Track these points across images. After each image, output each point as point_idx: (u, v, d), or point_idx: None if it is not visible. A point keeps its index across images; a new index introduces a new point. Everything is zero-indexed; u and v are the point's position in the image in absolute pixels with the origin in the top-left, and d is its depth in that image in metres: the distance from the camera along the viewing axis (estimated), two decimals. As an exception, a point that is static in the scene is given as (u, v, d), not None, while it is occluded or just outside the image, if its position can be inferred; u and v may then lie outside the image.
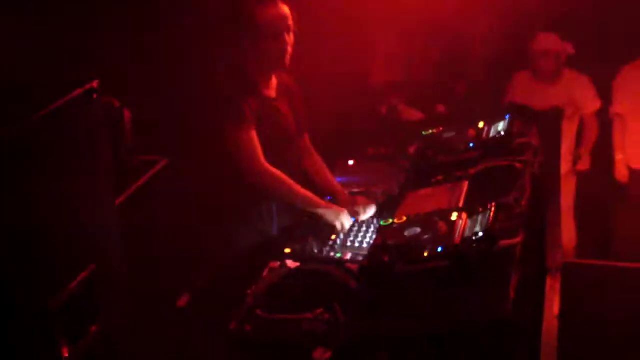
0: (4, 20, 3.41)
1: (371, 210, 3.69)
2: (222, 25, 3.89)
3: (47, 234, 2.67)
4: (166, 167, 4.80)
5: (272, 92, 3.81)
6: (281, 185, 3.67)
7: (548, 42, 5.95)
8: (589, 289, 5.16)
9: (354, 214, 3.67)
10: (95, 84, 2.84)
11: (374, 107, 5.68)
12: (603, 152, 6.42)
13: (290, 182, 3.69)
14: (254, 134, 3.63)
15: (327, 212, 3.65)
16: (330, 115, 5.46)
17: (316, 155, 4.09)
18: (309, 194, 3.72)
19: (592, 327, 4.55)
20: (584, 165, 6.29)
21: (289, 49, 3.67)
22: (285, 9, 3.66)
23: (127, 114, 4.20)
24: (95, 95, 2.82)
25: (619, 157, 6.31)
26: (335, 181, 3.98)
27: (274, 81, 3.82)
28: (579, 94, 6.12)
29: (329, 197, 3.89)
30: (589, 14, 6.25)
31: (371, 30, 6.08)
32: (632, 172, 6.32)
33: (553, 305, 3.16)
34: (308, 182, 3.98)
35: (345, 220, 3.62)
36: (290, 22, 3.66)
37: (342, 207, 3.72)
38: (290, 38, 3.66)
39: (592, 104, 6.17)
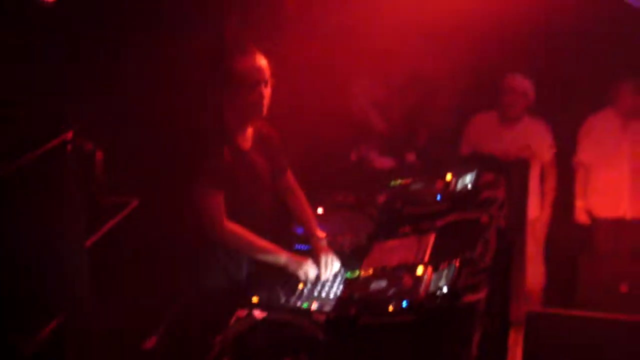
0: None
1: (336, 266, 3.72)
2: (201, 74, 3.91)
3: (19, 279, 2.70)
4: (137, 208, 4.83)
5: (247, 143, 3.83)
6: (240, 241, 3.69)
7: (519, 81, 6.04)
8: (552, 339, 5.23)
9: (321, 264, 3.71)
10: (69, 135, 2.89)
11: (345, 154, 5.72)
12: (568, 199, 6.53)
13: (250, 237, 3.70)
14: (220, 199, 3.65)
15: (290, 262, 3.67)
16: (298, 161, 5.52)
17: (299, 192, 4.11)
18: (269, 246, 3.72)
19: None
20: (546, 213, 6.37)
21: (265, 101, 3.70)
22: (263, 61, 3.68)
23: (98, 155, 4.22)
24: (69, 147, 2.86)
25: (579, 203, 6.44)
26: (314, 223, 3.99)
27: (250, 131, 3.85)
28: (537, 140, 6.19)
29: (297, 246, 3.92)
30: (555, 63, 6.37)
31: (349, 74, 6.14)
32: (594, 220, 6.44)
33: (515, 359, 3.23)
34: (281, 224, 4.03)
35: (309, 270, 3.64)
36: (267, 73, 3.68)
37: (317, 252, 3.76)
38: (266, 90, 3.69)
39: (548, 152, 6.25)
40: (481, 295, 2.89)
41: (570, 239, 6.59)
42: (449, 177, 3.93)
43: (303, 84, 5.41)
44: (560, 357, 5.13)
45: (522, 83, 6.04)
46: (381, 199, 4.18)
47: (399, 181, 4.11)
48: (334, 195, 4.54)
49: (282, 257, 3.67)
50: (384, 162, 5.58)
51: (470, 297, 2.83)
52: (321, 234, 3.88)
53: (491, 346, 3.03)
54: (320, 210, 4.31)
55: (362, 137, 5.87)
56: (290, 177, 4.10)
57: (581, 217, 6.44)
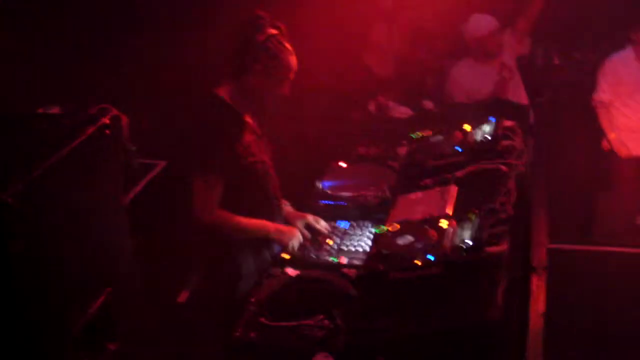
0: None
1: (322, 224, 3.83)
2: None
3: (71, 258, 2.85)
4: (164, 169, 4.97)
5: (263, 128, 3.85)
6: (227, 226, 3.67)
7: (483, 23, 5.99)
8: (573, 276, 5.34)
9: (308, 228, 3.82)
10: (107, 119, 3.00)
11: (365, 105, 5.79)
12: (583, 141, 6.60)
13: (236, 220, 3.67)
14: (217, 190, 3.61)
15: (278, 233, 3.73)
16: (321, 115, 5.61)
17: None
18: (256, 222, 3.72)
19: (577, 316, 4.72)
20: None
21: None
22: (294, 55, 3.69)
23: (124, 120, 4.33)
24: (107, 132, 2.98)
25: (612, 135, 6.48)
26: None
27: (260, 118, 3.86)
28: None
29: (322, 201, 4.03)
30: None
31: (364, 28, 6.19)
32: (616, 158, 6.52)
33: (538, 304, 3.35)
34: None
35: (295, 240, 3.73)
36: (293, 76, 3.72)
37: (292, 219, 3.86)
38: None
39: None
40: (504, 245, 2.99)
41: (593, 179, 6.68)
42: (467, 127, 3.99)
43: (323, 37, 5.48)
44: (582, 294, 5.25)
45: (489, 24, 5.97)
46: (402, 151, 4.28)
47: (419, 133, 4.18)
48: (356, 148, 4.63)
49: (271, 230, 3.73)
50: (402, 111, 5.64)
51: (493, 249, 2.92)
52: (285, 202, 3.97)
53: (515, 292, 3.15)
54: (343, 164, 4.41)
55: (381, 88, 5.94)
56: None
57: (619, 147, 6.45)
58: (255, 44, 3.55)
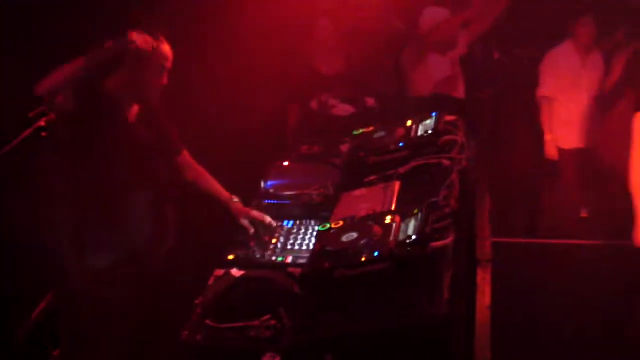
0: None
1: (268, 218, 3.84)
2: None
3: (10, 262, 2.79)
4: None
5: (132, 117, 3.86)
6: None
7: (438, 13, 6.02)
8: (517, 268, 5.40)
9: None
10: (42, 122, 2.95)
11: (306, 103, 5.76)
12: (531, 133, 6.69)
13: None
14: None
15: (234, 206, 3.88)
16: (262, 116, 5.57)
17: (200, 168, 4.10)
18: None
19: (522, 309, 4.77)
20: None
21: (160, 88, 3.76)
22: (167, 47, 3.72)
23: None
24: (43, 134, 2.92)
25: (547, 137, 6.58)
26: (223, 190, 4.05)
27: (135, 107, 3.86)
28: None
29: (265, 201, 4.01)
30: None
31: (307, 26, 6.17)
32: (560, 151, 6.61)
33: (484, 297, 3.37)
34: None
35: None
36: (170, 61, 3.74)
37: (238, 215, 3.89)
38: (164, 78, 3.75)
39: None
40: (449, 239, 3.01)
41: (537, 173, 6.77)
42: (409, 122, 4.00)
43: (266, 35, 5.45)
44: (526, 285, 5.32)
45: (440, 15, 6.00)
46: (345, 148, 4.27)
47: (361, 130, 4.18)
48: (298, 147, 4.61)
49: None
50: (345, 108, 5.62)
51: (438, 243, 2.93)
52: (235, 197, 3.99)
53: (461, 286, 3.16)
54: (285, 163, 4.39)
55: (323, 86, 5.92)
56: (186, 155, 4.08)
57: (551, 150, 6.59)
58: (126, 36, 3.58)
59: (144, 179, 3.84)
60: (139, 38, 3.58)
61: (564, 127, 6.54)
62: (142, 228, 3.80)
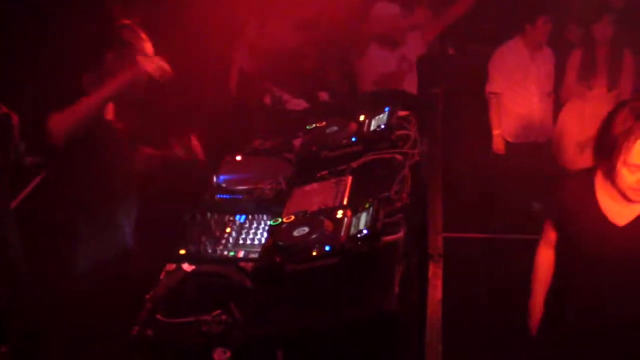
0: None
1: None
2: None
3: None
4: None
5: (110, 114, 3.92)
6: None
7: (388, 8, 6.04)
8: (469, 264, 5.44)
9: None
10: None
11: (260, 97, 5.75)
12: (483, 128, 6.75)
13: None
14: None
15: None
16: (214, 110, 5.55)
17: None
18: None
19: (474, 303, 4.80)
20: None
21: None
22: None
23: (14, 118, 4.21)
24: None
25: (496, 132, 6.66)
26: None
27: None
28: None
29: (219, 195, 4.00)
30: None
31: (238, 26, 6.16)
32: (508, 145, 6.68)
33: (436, 291, 3.38)
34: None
35: None
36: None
37: None
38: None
39: None
40: (400, 233, 3.02)
41: (488, 168, 6.83)
42: (362, 117, 4.01)
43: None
44: (478, 279, 5.36)
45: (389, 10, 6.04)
46: (297, 142, 4.26)
47: (313, 125, 4.17)
48: (251, 141, 4.59)
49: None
50: (298, 103, 5.63)
51: (389, 237, 2.94)
52: None
53: (413, 280, 3.17)
54: (238, 158, 4.36)
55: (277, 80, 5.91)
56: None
57: (498, 145, 6.67)
58: (108, 32, 3.58)
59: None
60: (146, 62, 3.63)
61: (512, 121, 6.61)
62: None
